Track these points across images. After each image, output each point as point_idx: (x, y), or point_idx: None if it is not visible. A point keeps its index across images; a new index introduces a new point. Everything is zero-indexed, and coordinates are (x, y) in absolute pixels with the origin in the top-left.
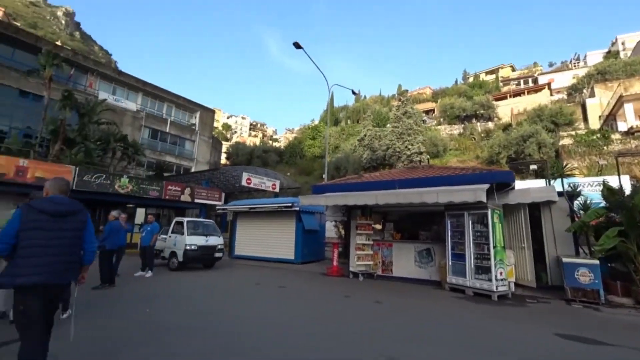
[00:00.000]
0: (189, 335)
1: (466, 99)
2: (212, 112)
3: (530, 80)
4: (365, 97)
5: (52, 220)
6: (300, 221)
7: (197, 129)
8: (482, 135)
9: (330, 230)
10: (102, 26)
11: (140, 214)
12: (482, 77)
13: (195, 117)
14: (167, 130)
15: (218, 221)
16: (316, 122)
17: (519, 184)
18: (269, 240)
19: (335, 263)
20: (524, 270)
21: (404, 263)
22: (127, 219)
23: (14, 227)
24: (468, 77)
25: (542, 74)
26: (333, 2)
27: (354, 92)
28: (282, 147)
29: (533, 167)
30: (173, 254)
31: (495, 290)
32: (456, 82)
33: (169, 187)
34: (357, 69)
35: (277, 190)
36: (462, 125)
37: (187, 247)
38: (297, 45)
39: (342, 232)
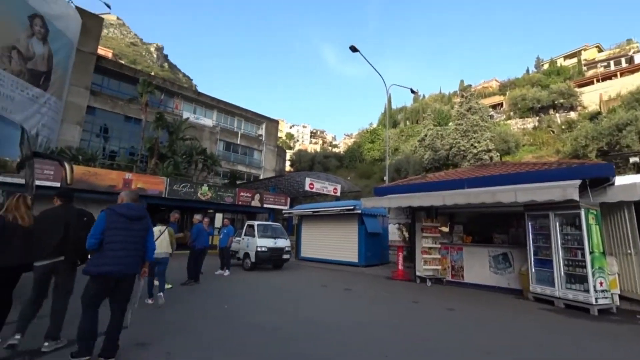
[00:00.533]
0: (257, 333)
1: (541, 89)
2: (276, 122)
3: (623, 60)
4: (424, 96)
5: (128, 222)
6: (362, 224)
7: (263, 139)
8: (563, 127)
9: (394, 233)
10: (183, 55)
11: (218, 218)
12: (560, 62)
13: (262, 128)
14: (238, 142)
15: (285, 225)
16: (374, 125)
17: (618, 180)
18: (333, 243)
19: (400, 267)
20: (632, 281)
21: (477, 269)
22: (209, 223)
23: (102, 226)
24: (542, 64)
25: (639, 51)
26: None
27: (412, 91)
28: (342, 152)
29: (634, 159)
30: (246, 255)
31: (594, 303)
32: (527, 71)
33: (241, 193)
34: (414, 68)
35: (338, 194)
36: (537, 118)
37: (258, 249)
38: (354, 49)
39: (406, 235)
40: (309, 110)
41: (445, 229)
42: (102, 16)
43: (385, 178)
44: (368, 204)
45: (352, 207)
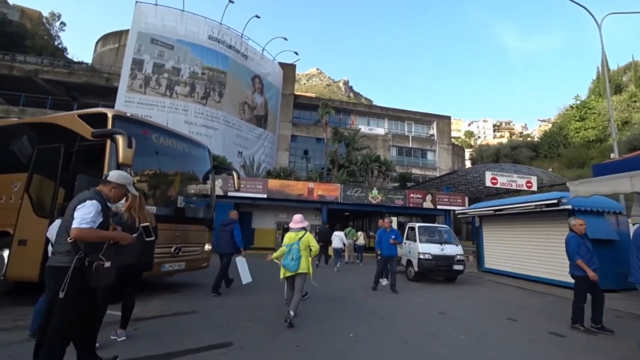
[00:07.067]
0: None
1: None
2: (448, 118)
3: None
4: None
5: (221, 226)
6: None
7: (435, 138)
8: None
9: None
10: (365, 81)
11: (393, 222)
12: None
13: (433, 128)
14: (410, 145)
15: (468, 229)
16: (582, 97)
17: None
18: (528, 252)
19: None
20: None
21: None
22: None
23: None
24: None
25: None
26: None
27: None
28: (537, 139)
29: None
30: (409, 263)
31: None
32: None
33: (411, 195)
34: None
35: (534, 188)
36: None
37: (421, 256)
38: None
39: None
40: (491, 103)
41: None
42: (308, 71)
43: (614, 155)
44: (584, 190)
45: (555, 201)
